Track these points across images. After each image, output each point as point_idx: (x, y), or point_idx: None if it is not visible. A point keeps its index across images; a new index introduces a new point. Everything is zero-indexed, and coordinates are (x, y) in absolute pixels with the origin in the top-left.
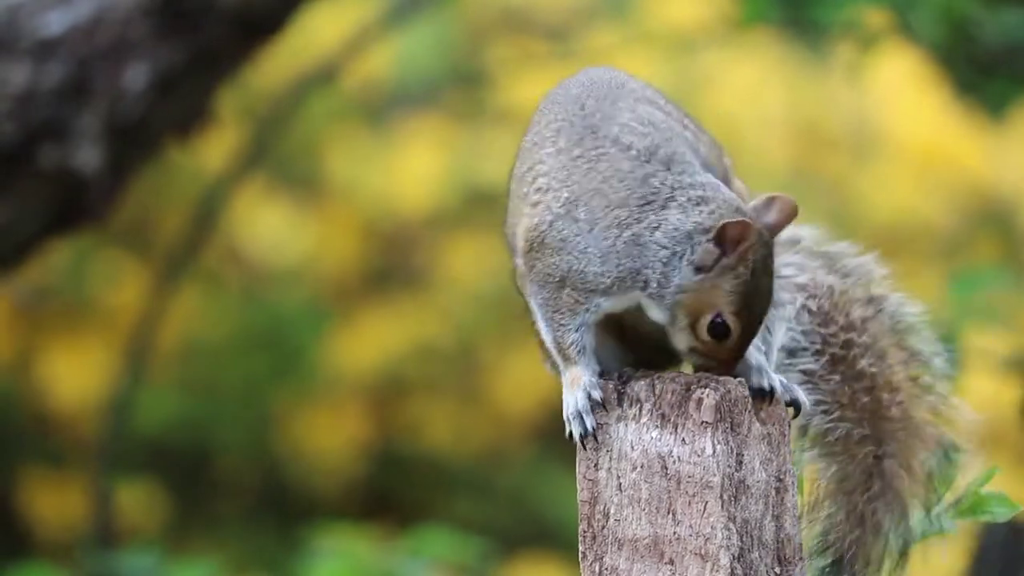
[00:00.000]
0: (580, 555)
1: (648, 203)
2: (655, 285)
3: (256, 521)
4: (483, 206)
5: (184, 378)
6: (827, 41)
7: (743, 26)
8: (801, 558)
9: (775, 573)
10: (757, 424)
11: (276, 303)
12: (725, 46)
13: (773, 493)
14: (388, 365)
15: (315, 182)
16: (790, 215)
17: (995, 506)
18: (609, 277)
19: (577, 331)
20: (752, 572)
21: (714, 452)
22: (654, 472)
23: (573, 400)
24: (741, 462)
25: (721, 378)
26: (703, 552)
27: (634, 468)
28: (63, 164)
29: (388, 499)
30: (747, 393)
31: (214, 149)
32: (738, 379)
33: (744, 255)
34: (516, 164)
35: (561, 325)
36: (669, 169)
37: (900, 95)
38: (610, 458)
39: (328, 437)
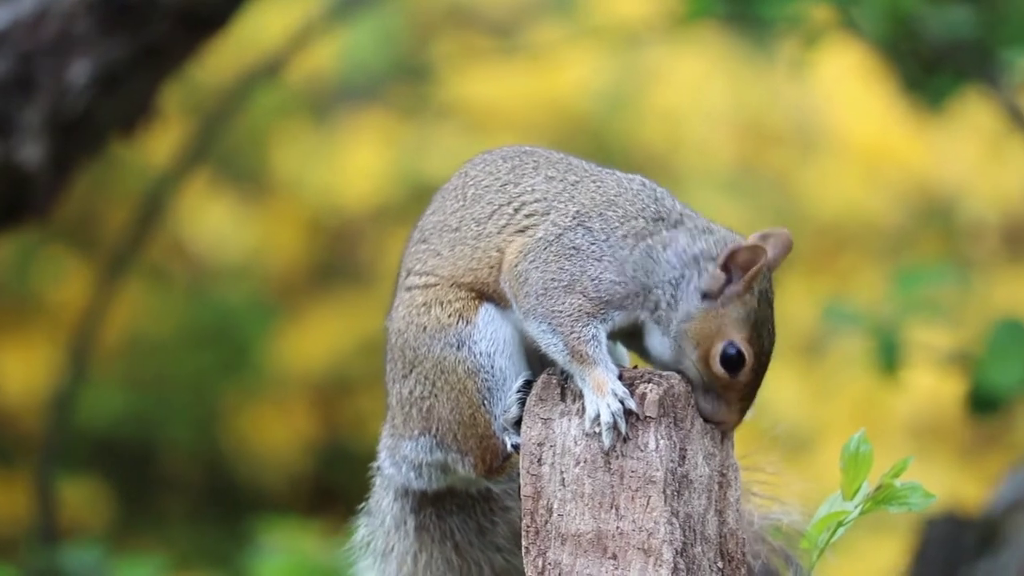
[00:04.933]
0: (523, 550)
1: (661, 219)
2: (663, 308)
3: (202, 517)
4: (427, 201)
5: (129, 374)
6: (771, 36)
7: (687, 21)
8: (744, 553)
9: (718, 568)
10: (700, 419)
11: (222, 299)
12: (670, 41)
13: (716, 488)
14: (333, 360)
15: (260, 177)
16: (786, 249)
17: (910, 497)
18: (624, 288)
19: (594, 327)
20: (695, 567)
21: (657, 447)
22: (597, 467)
23: (605, 406)
24: (684, 457)
25: (664, 373)
26: (646, 547)
27: (577, 463)
28: (6, 159)
29: (334, 494)
30: (690, 389)
31: (159, 144)
32: (681, 374)
33: (751, 281)
34: (457, 209)
35: (573, 324)
36: (673, 198)
37: (844, 91)
38: (553, 453)
39: (274, 433)
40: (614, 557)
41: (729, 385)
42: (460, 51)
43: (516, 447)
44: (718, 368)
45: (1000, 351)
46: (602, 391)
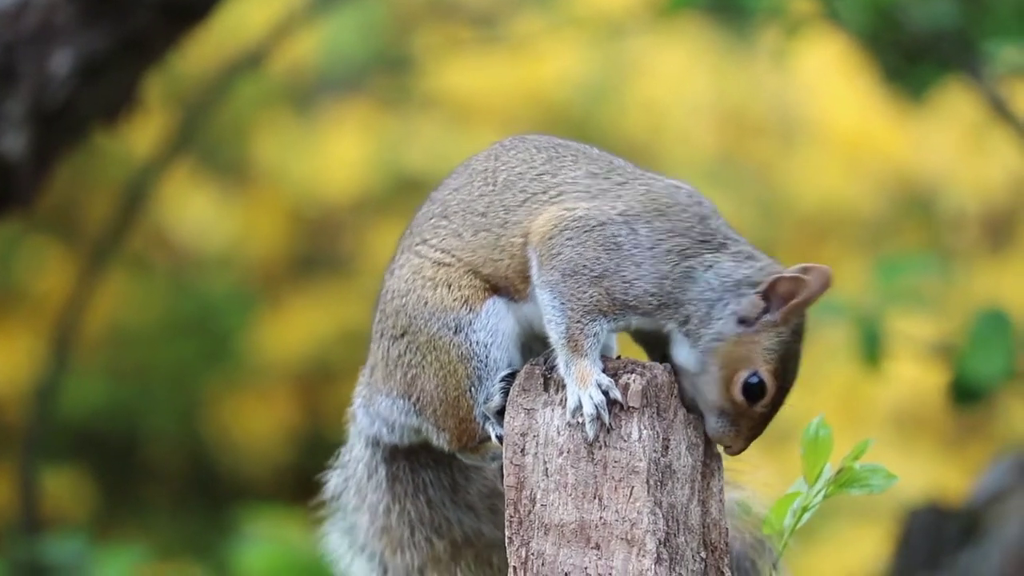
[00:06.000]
0: (506, 540)
1: (705, 241)
2: (695, 323)
3: (184, 507)
4: (409, 192)
5: (112, 364)
6: (753, 27)
7: (669, 12)
8: (727, 543)
9: (701, 558)
10: (683, 409)
11: (204, 289)
12: (652, 32)
13: (699, 478)
14: (315, 350)
15: (242, 168)
16: (826, 285)
17: (872, 479)
18: (657, 300)
19: (599, 325)
20: (678, 556)
21: (640, 437)
22: (580, 457)
23: (588, 398)
24: (667, 447)
25: (647, 363)
26: (629, 537)
27: (560, 453)
28: None
29: (316, 483)
30: (673, 379)
31: (141, 135)
32: (664, 365)
33: (790, 313)
34: (485, 193)
35: (583, 315)
36: (718, 217)
37: (826, 81)
38: (536, 443)
39: (256, 422)
40: (597, 547)
41: (745, 413)
42: (442, 42)
43: (500, 438)
44: (738, 394)
45: (982, 341)
46: (585, 383)
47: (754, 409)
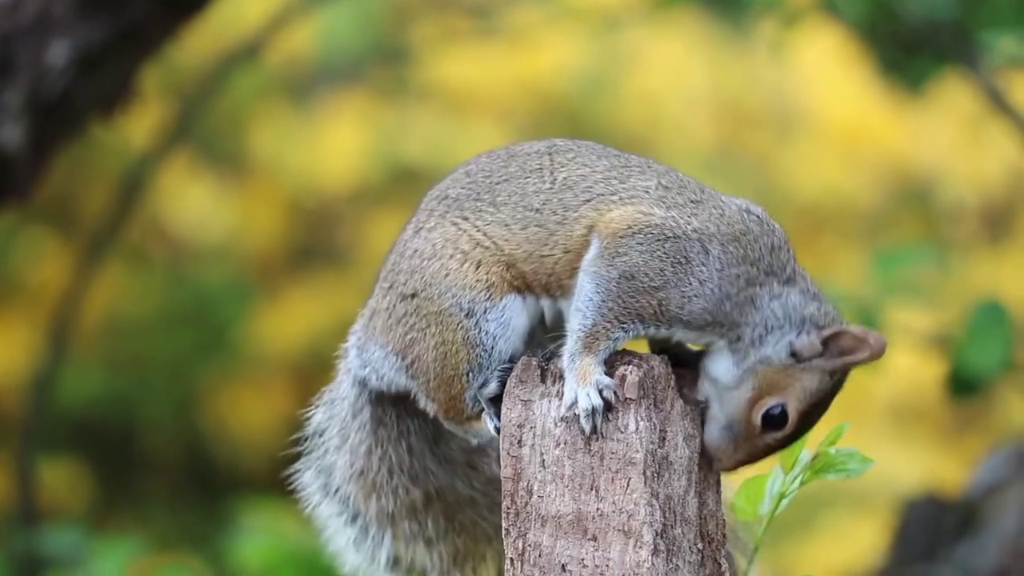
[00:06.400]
0: (503, 531)
1: (773, 272)
2: (745, 343)
3: (181, 498)
4: (406, 183)
5: (109, 355)
6: (750, 19)
7: (666, 4)
8: (724, 535)
9: (698, 549)
10: (680, 401)
11: (201, 280)
12: (649, 24)
13: (696, 469)
14: (312, 341)
15: (239, 159)
16: (880, 354)
17: (848, 463)
18: (711, 317)
19: (627, 331)
20: (675, 548)
21: (637, 428)
22: (577, 449)
23: (585, 396)
24: (664, 438)
25: (644, 355)
26: (626, 528)
27: (557, 444)
28: None
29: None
30: (670, 371)
31: (138, 126)
32: (661, 356)
33: (841, 367)
34: (542, 191)
35: (616, 319)
36: (788, 250)
37: (823, 73)
38: (534, 435)
39: (253, 413)
40: (594, 539)
41: (751, 437)
42: (439, 33)
43: (498, 429)
44: (757, 418)
45: (980, 333)
46: (585, 381)
47: (762, 437)
